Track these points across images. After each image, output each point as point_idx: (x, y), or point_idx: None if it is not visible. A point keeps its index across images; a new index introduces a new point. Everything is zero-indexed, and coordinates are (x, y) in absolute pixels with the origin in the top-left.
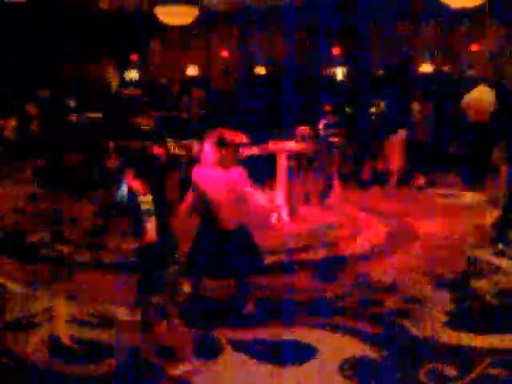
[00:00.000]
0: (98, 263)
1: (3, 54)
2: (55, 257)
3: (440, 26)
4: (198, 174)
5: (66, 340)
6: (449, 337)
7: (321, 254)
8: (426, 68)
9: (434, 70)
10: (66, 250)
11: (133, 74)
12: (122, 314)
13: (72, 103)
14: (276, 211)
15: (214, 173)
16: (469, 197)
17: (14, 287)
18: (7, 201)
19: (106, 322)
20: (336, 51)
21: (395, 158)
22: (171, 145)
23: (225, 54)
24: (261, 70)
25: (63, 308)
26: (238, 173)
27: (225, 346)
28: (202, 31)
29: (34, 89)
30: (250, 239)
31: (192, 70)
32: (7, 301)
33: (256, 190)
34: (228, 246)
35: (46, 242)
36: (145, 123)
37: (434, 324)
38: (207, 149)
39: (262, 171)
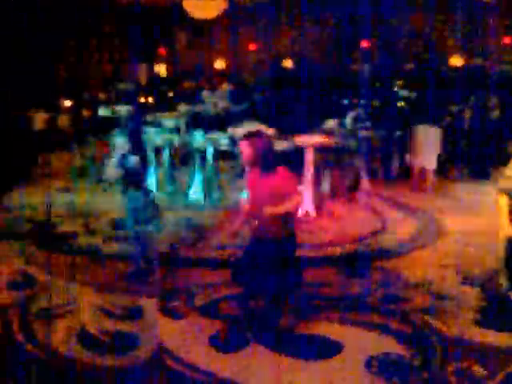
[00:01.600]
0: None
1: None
2: (84, 248)
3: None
4: (248, 177)
5: (93, 331)
6: (477, 335)
7: (348, 249)
8: (456, 61)
9: (465, 63)
10: (94, 241)
11: (161, 69)
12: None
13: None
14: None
15: (257, 176)
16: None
17: (43, 277)
18: (39, 192)
19: (133, 313)
20: (364, 44)
21: (425, 153)
22: (200, 138)
23: (252, 47)
24: (288, 64)
25: (91, 299)
26: (282, 176)
27: (250, 340)
28: (230, 24)
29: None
30: (289, 252)
31: (219, 64)
32: (37, 291)
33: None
34: (265, 256)
35: (76, 233)
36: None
37: (462, 322)
38: (245, 149)
39: (289, 166)
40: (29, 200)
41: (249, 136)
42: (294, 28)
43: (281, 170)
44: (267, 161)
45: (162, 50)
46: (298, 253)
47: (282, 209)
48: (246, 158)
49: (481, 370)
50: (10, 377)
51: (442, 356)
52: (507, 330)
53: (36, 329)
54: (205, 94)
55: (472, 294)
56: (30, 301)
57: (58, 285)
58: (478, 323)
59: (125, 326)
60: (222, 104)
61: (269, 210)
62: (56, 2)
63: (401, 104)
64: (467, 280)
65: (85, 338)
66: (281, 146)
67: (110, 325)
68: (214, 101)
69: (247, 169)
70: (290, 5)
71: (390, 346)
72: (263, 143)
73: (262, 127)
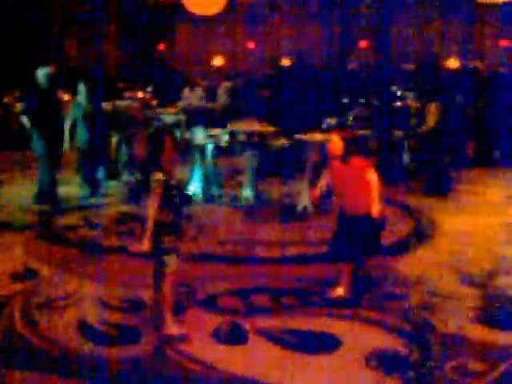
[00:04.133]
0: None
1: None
2: (84, 241)
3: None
4: (334, 166)
5: (94, 323)
6: (474, 333)
7: None
8: (453, 63)
9: (462, 65)
10: (94, 234)
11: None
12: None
13: None
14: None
15: (341, 165)
16: (494, 194)
17: (44, 270)
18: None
19: (134, 306)
20: (363, 44)
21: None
22: (200, 134)
23: (251, 45)
24: (286, 62)
25: (92, 291)
26: (360, 164)
27: (251, 334)
28: (229, 21)
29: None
30: (373, 227)
31: (218, 61)
32: (38, 283)
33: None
34: (352, 231)
35: (76, 226)
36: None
37: (459, 320)
38: (337, 143)
39: (290, 163)
40: None
41: (340, 130)
42: (293, 27)
43: (355, 159)
44: (349, 152)
45: (162, 46)
46: (298, 250)
47: (376, 201)
48: (337, 151)
49: (478, 366)
50: (12, 367)
51: (440, 352)
52: (504, 327)
53: (38, 320)
54: (185, 92)
55: (469, 293)
56: (32, 293)
57: (58, 277)
58: (476, 321)
59: (126, 318)
60: (197, 103)
61: (375, 210)
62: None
63: (399, 104)
64: (465, 279)
65: (86, 330)
66: (280, 143)
67: (111, 317)
68: (190, 101)
69: (330, 162)
70: (289, 3)
71: (389, 343)
72: (351, 136)
73: (262, 123)
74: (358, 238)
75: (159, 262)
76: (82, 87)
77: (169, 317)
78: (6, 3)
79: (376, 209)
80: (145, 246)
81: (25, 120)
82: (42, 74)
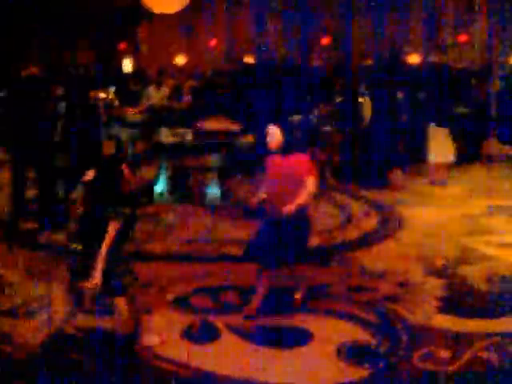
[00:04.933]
0: None
1: None
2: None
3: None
4: (268, 158)
5: (68, 328)
6: (440, 321)
7: (313, 241)
8: (414, 59)
9: (422, 61)
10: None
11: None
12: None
13: None
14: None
15: (278, 158)
16: (453, 186)
17: (12, 275)
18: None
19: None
20: (325, 41)
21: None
22: (166, 133)
23: (213, 42)
24: (249, 59)
25: (63, 295)
26: (300, 159)
27: (222, 331)
28: (189, 19)
29: None
30: (302, 231)
31: (181, 59)
32: (5, 288)
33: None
34: (279, 235)
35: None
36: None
37: (426, 310)
38: (272, 132)
39: (253, 161)
40: None
41: (277, 122)
42: (256, 23)
43: (298, 153)
44: (289, 144)
45: (123, 45)
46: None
47: (299, 201)
48: (275, 142)
49: (446, 353)
50: None
51: (408, 342)
52: (468, 316)
53: (6, 327)
54: (150, 91)
55: (435, 283)
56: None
57: (25, 282)
58: (442, 310)
59: (97, 322)
60: (161, 102)
61: (288, 209)
62: None
63: (361, 100)
64: (430, 269)
65: (57, 335)
66: (245, 139)
67: (81, 321)
68: (154, 101)
69: (268, 153)
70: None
71: (358, 334)
72: (289, 128)
73: (228, 121)
74: (280, 242)
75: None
76: None
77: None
78: None
79: (295, 204)
80: (96, 280)
81: None
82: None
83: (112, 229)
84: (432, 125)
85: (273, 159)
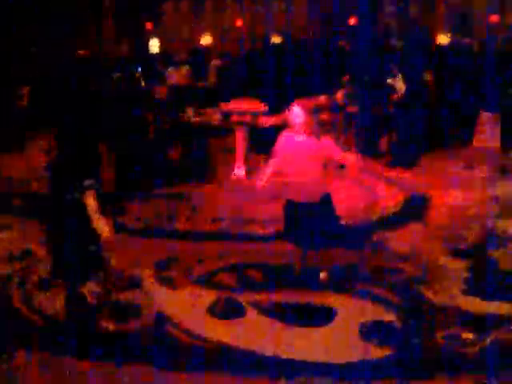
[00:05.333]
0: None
1: None
2: None
3: None
4: (286, 139)
5: (92, 300)
6: (465, 303)
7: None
8: (443, 39)
9: (451, 41)
10: None
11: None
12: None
13: None
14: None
15: (301, 139)
16: (481, 169)
17: (39, 249)
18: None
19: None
20: (352, 21)
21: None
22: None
23: (239, 22)
24: (276, 39)
25: None
26: (326, 141)
27: (249, 309)
28: None
29: None
30: (332, 212)
31: (206, 39)
32: (34, 262)
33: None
34: (310, 218)
35: None
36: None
37: (450, 291)
38: (297, 113)
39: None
40: None
41: (301, 101)
42: (282, 3)
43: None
44: (314, 125)
45: (150, 25)
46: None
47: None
48: (300, 121)
49: (469, 334)
50: (11, 343)
51: (431, 322)
52: (493, 298)
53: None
54: (170, 70)
55: (460, 265)
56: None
57: None
58: (466, 292)
59: (124, 295)
60: (184, 81)
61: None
62: None
63: (390, 80)
64: (455, 252)
65: (85, 307)
66: (270, 121)
67: (107, 293)
68: (175, 79)
69: (285, 133)
70: None
71: (381, 314)
72: (314, 107)
73: (254, 102)
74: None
75: None
76: None
77: None
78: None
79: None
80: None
81: None
82: None
83: None
84: (481, 110)
85: (291, 140)
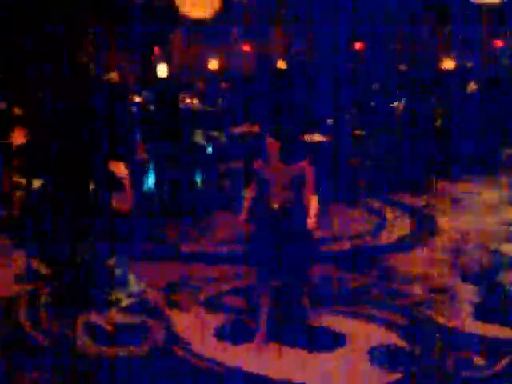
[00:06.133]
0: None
1: None
2: None
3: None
4: (262, 165)
5: (100, 322)
6: (475, 328)
7: (347, 245)
8: (448, 64)
9: (456, 66)
10: None
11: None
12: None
13: None
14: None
15: (277, 166)
16: (487, 194)
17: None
18: None
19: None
20: (357, 46)
21: None
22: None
23: (246, 47)
24: (282, 65)
25: None
26: (302, 167)
27: (255, 331)
28: (224, 24)
29: None
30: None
31: (214, 64)
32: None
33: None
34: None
35: None
36: None
37: (461, 315)
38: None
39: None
40: None
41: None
42: (288, 28)
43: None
44: (290, 153)
45: (157, 50)
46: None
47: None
48: (272, 150)
49: (480, 360)
50: (17, 364)
51: (441, 347)
52: (504, 323)
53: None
54: (144, 94)
55: (470, 289)
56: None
57: None
58: (477, 316)
59: (133, 318)
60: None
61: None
62: None
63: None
64: (465, 276)
65: (93, 330)
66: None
67: (117, 316)
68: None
69: (267, 161)
70: (282, 5)
71: (391, 338)
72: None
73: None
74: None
75: None
76: None
77: None
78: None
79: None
80: None
81: None
82: None
83: None
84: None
85: (274, 166)
